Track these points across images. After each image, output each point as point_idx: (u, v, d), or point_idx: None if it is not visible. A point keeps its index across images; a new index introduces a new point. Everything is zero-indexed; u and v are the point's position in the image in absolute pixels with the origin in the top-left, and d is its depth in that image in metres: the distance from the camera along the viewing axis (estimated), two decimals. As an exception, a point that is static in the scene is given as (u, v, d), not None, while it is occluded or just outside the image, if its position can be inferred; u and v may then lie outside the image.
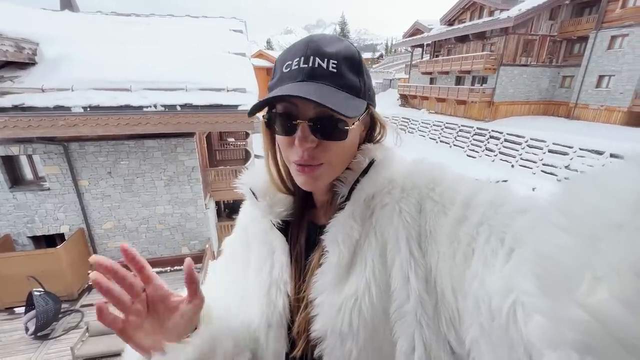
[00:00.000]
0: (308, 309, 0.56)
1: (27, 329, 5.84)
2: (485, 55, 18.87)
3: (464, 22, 22.36)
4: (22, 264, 6.39)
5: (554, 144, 14.47)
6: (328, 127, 0.49)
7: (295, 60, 0.49)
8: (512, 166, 15.65)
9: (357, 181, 0.55)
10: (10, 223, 7.07)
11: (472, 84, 20.95)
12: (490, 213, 0.42)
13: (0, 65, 6.27)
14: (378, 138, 0.60)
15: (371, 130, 0.60)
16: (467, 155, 18.17)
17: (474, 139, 18.58)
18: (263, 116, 0.54)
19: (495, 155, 16.83)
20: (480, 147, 17.89)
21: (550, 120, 18.12)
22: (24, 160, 7.15)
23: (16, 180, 7.09)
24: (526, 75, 19.09)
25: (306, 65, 0.48)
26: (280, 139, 0.53)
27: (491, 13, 20.21)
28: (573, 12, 18.41)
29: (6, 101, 5.61)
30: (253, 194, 0.61)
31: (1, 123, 5.56)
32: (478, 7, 21.42)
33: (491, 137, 17.64)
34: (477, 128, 18.69)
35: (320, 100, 0.44)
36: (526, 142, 15.69)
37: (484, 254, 0.39)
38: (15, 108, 5.62)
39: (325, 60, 0.49)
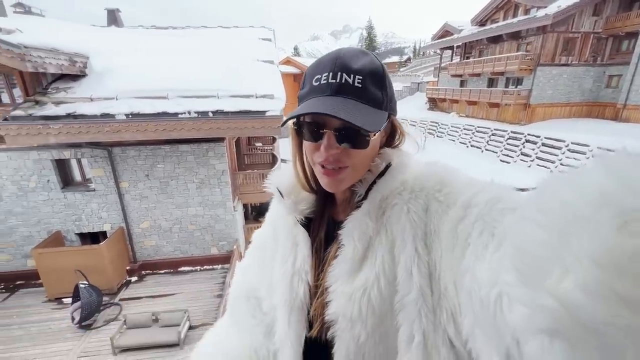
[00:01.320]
0: (324, 295, 0.61)
1: (72, 319, 6.33)
2: (521, 56, 17.93)
3: (497, 21, 21.46)
4: (70, 258, 6.98)
5: (598, 148, 13.40)
6: (351, 136, 0.54)
7: (324, 75, 0.54)
8: (551, 172, 14.64)
9: (374, 182, 0.60)
10: (61, 220, 7.75)
11: (506, 86, 19.98)
12: (485, 210, 0.45)
13: (56, 77, 6.97)
14: (397, 143, 0.65)
15: (391, 136, 0.65)
16: (501, 161, 17.28)
17: (507, 144, 17.63)
18: (294, 123, 0.60)
19: (532, 161, 15.85)
20: (515, 152, 16.93)
21: (595, 123, 16.81)
22: (74, 163, 7.86)
23: (67, 181, 7.77)
24: (567, 75, 17.90)
25: (334, 81, 0.53)
26: (307, 144, 0.59)
27: (527, 11, 19.25)
28: (620, 7, 17.05)
29: (61, 110, 6.22)
30: (280, 193, 0.68)
31: (57, 130, 6.17)
32: (512, 6, 20.48)
33: (527, 141, 16.65)
34: (512, 132, 17.74)
35: (343, 117, 0.49)
36: (567, 146, 14.66)
37: (477, 248, 0.42)
38: (68, 116, 6.22)
39: (352, 75, 0.53)
